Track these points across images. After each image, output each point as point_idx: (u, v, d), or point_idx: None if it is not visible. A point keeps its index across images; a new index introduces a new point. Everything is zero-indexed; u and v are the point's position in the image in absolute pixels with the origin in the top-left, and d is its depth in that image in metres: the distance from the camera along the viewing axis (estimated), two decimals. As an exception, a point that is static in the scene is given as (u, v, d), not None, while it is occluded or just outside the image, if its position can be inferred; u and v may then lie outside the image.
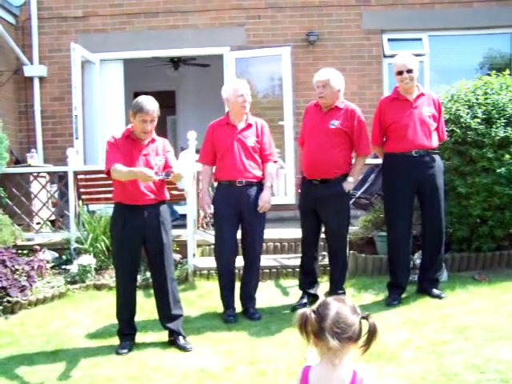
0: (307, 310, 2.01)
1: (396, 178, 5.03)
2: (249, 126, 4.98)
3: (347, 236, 5.17)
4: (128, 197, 4.23)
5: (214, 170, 5.14)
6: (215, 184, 5.21)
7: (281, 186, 8.37)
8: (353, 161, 5.04)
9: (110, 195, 6.62)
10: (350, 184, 4.94)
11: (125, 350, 4.20)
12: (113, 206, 4.48)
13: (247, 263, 5.05)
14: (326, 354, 1.99)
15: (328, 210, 4.93)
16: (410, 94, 4.98)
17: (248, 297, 5.02)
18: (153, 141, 4.35)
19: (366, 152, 5.04)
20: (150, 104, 4.21)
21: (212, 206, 5.06)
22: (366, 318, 1.99)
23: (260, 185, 4.97)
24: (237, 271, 5.06)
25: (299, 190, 5.18)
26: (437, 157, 5.03)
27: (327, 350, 1.97)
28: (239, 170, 4.87)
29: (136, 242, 4.27)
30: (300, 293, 5.21)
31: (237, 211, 4.90)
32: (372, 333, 1.97)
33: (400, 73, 4.96)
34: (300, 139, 5.20)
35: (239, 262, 5.08)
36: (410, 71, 4.91)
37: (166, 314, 4.35)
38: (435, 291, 5.03)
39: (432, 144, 4.96)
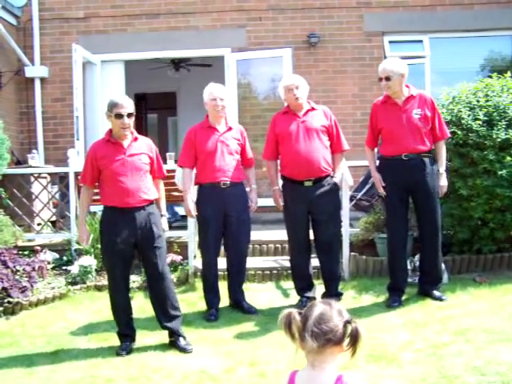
0: (293, 311, 2.01)
1: (389, 181, 5.07)
2: (229, 128, 5.08)
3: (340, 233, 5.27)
4: (118, 199, 4.17)
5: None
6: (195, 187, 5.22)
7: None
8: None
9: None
10: (338, 181, 5.10)
11: (124, 352, 4.19)
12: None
13: (236, 263, 5.12)
14: (308, 357, 1.99)
15: (325, 210, 4.97)
16: (399, 98, 4.96)
17: (239, 293, 5.16)
18: (135, 139, 4.33)
19: (343, 149, 5.13)
20: (123, 99, 4.26)
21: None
22: (349, 322, 1.96)
23: (242, 185, 5.08)
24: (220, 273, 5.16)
25: (280, 200, 5.14)
26: (430, 159, 4.96)
27: (308, 351, 1.96)
28: (223, 171, 4.93)
29: (128, 246, 4.22)
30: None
31: (222, 213, 4.95)
32: (354, 337, 1.94)
33: (380, 79, 5.00)
34: (267, 152, 5.18)
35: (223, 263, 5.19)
36: (387, 78, 4.91)
37: (164, 315, 4.32)
38: (436, 293, 5.02)
39: (424, 147, 4.90)
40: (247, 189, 5.20)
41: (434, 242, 5.05)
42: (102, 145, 4.29)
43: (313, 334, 1.93)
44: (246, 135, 5.21)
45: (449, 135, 5.12)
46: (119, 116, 4.17)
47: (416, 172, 4.90)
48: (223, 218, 4.96)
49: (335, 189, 5.04)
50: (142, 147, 4.32)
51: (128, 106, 4.21)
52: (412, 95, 4.96)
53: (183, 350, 4.22)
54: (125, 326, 4.35)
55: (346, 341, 1.95)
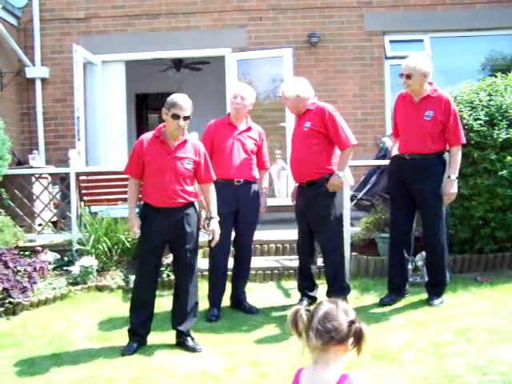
0: (300, 308, 2.03)
1: (391, 179, 5.18)
2: (249, 128, 5.13)
3: (338, 236, 5.03)
4: (154, 197, 4.18)
5: None
6: None
7: (282, 187, 8.37)
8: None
9: (111, 196, 6.65)
10: (336, 178, 4.81)
11: (129, 352, 4.17)
12: (141, 204, 4.42)
13: (240, 261, 5.17)
14: (313, 354, 2.00)
15: (318, 212, 4.90)
16: (417, 96, 4.90)
17: (241, 293, 5.18)
18: (184, 142, 4.26)
19: (345, 145, 4.82)
20: (184, 99, 4.19)
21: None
22: (353, 322, 1.97)
23: (255, 184, 5.10)
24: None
25: (293, 199, 5.20)
26: (435, 161, 4.87)
27: (312, 349, 1.98)
28: (237, 169, 4.98)
29: (161, 244, 4.26)
30: (298, 293, 5.23)
31: (233, 210, 4.99)
32: (358, 337, 1.96)
33: (401, 75, 4.93)
34: None
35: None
36: (408, 76, 4.82)
37: (180, 317, 4.32)
38: (433, 301, 4.90)
39: (429, 149, 4.83)
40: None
41: (431, 244, 4.98)
42: (151, 140, 4.24)
43: (317, 331, 1.95)
44: (264, 138, 5.24)
45: (463, 142, 4.89)
46: (176, 117, 4.12)
47: (416, 172, 4.87)
48: (234, 215, 5.00)
49: (326, 191, 4.84)
50: (189, 151, 4.26)
51: (187, 107, 4.16)
52: (429, 95, 4.86)
53: (192, 350, 4.21)
54: (141, 325, 4.31)
55: (351, 340, 1.97)
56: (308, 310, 2.02)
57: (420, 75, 4.82)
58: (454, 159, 4.85)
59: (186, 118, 4.15)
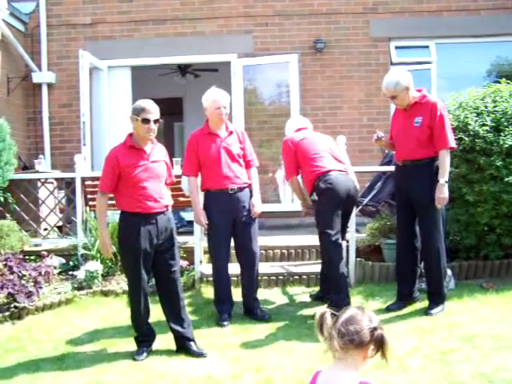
0: (326, 311, 2.07)
1: (395, 187, 5.30)
2: (230, 133, 5.09)
3: (323, 239, 5.04)
4: (141, 205, 4.16)
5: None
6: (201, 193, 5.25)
7: (287, 193, 8.36)
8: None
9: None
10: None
11: (142, 357, 4.18)
12: (119, 213, 4.40)
13: (247, 267, 5.09)
14: (334, 357, 2.03)
15: None
16: (407, 106, 4.91)
17: (252, 299, 5.12)
18: (155, 146, 4.34)
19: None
20: (151, 104, 4.23)
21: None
22: (375, 328, 2.01)
23: (249, 189, 5.07)
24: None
25: None
26: (425, 167, 4.81)
27: (333, 351, 2.01)
28: (229, 177, 4.95)
29: (150, 250, 4.22)
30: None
31: (230, 218, 4.96)
32: (379, 343, 2.00)
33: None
34: None
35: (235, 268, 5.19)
36: (393, 97, 4.88)
37: (178, 320, 4.31)
38: (430, 310, 4.84)
39: (420, 154, 4.81)
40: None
41: (425, 250, 4.95)
42: (125, 151, 4.23)
43: (339, 332, 2.00)
44: (246, 136, 5.19)
45: (450, 145, 4.77)
46: (146, 121, 4.15)
47: (408, 179, 4.88)
48: (232, 222, 4.97)
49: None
50: (160, 154, 4.35)
51: (155, 111, 4.20)
52: (417, 102, 4.86)
53: (199, 355, 4.21)
54: (147, 331, 4.34)
55: (372, 347, 2.01)
56: (334, 314, 2.06)
57: (403, 91, 4.83)
58: (442, 163, 4.77)
59: (156, 122, 4.20)
